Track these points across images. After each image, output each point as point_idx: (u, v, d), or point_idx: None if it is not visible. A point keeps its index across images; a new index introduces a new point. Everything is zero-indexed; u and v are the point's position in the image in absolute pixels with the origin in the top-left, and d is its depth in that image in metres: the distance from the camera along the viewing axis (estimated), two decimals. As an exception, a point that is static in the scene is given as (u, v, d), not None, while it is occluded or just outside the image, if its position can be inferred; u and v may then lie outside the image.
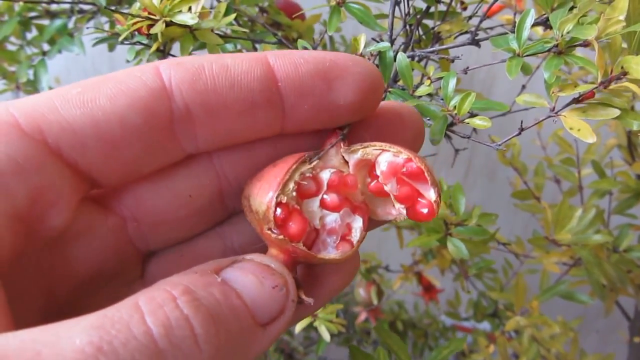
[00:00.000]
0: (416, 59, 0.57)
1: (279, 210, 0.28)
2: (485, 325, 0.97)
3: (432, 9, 0.58)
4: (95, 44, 0.63)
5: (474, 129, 0.53)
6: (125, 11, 0.54)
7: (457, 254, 0.55)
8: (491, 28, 0.69)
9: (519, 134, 0.45)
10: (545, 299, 0.77)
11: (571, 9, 0.44)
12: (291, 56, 0.28)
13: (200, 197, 0.31)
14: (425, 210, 0.30)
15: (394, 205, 0.31)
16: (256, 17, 0.66)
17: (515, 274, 0.93)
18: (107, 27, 0.71)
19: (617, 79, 0.39)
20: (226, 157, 0.31)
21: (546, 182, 0.87)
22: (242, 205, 0.30)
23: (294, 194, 0.29)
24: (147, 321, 0.21)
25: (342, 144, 0.31)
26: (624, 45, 0.40)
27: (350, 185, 0.31)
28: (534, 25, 0.46)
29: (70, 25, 0.72)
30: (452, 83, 0.46)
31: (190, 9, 0.50)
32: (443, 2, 0.58)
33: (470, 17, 0.64)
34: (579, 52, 0.44)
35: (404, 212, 0.31)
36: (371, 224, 0.32)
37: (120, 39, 0.51)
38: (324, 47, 0.75)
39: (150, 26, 0.49)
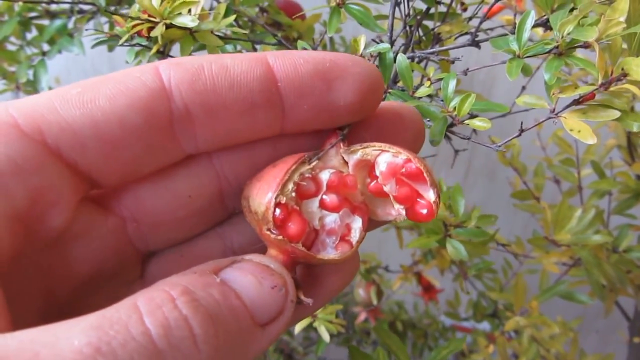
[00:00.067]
0: (416, 60, 0.57)
1: (278, 211, 0.28)
2: (485, 326, 0.97)
3: (432, 10, 0.58)
4: (94, 46, 0.63)
5: (474, 130, 0.53)
6: (124, 12, 0.54)
7: (456, 255, 0.55)
8: (491, 29, 0.69)
9: (519, 135, 0.45)
10: (544, 299, 0.77)
11: (571, 10, 0.44)
12: (291, 56, 0.28)
13: (200, 198, 0.31)
14: (424, 211, 0.30)
15: (393, 206, 0.31)
16: (256, 17, 0.66)
17: (515, 274, 0.93)
18: (106, 27, 0.71)
19: (617, 81, 0.39)
20: (226, 158, 0.31)
21: (546, 182, 0.87)
22: (242, 205, 0.30)
23: (294, 194, 0.29)
24: (146, 322, 0.21)
25: (341, 145, 0.31)
26: (625, 46, 0.40)
27: (349, 185, 0.31)
28: (534, 26, 0.46)
29: (70, 25, 0.72)
30: (452, 84, 0.46)
31: (190, 11, 0.50)
32: (443, 3, 0.58)
33: (470, 18, 0.64)
34: (579, 53, 0.44)
35: (404, 212, 0.31)
36: (371, 224, 0.32)
37: (121, 42, 0.51)
38: (324, 48, 0.75)
39: (150, 29, 0.49)
